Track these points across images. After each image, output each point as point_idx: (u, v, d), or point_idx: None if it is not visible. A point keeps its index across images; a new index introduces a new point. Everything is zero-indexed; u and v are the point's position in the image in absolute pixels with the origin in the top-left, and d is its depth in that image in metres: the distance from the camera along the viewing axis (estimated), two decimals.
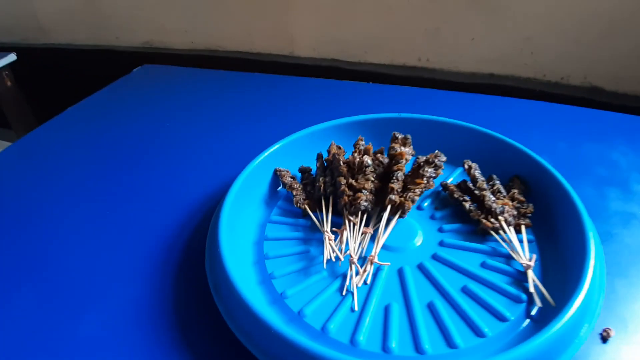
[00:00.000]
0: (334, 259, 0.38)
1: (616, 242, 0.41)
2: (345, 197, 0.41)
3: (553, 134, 0.58)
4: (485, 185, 0.44)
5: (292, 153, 0.50)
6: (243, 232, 0.43)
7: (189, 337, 0.35)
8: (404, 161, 0.43)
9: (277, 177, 0.49)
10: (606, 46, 0.70)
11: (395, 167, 0.42)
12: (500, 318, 0.34)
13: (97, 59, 1.13)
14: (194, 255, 0.42)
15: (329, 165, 0.46)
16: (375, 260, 0.38)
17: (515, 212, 0.42)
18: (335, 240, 0.40)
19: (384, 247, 0.41)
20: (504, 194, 0.44)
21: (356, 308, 0.36)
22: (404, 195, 0.41)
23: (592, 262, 0.34)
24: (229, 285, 0.34)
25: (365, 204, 0.41)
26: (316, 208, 0.44)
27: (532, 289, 0.35)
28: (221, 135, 0.63)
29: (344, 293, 0.37)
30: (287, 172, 0.48)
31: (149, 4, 0.99)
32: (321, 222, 0.42)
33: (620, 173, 0.50)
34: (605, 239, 0.41)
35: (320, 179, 0.44)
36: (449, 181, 0.47)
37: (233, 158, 0.56)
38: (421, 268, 0.39)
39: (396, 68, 0.87)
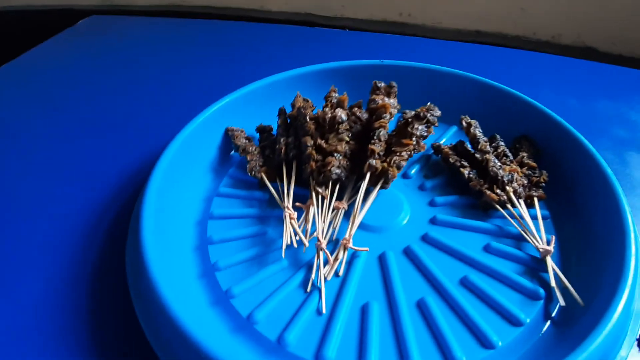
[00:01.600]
0: (295, 244, 0.29)
1: None
2: (313, 163, 0.32)
3: (562, 90, 0.49)
4: (488, 147, 0.35)
5: (248, 109, 0.40)
6: (181, 209, 0.33)
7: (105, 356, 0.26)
8: (387, 116, 0.33)
9: (229, 139, 0.39)
10: (603, 3, 0.64)
11: (376, 124, 0.33)
12: (513, 321, 0.26)
13: (56, 19, 1.02)
14: (117, 245, 0.32)
15: (292, 123, 0.36)
16: (350, 244, 0.29)
17: (525, 181, 0.33)
18: (298, 218, 0.31)
19: (361, 226, 0.32)
20: (511, 158, 0.35)
21: (324, 310, 0.27)
22: (388, 159, 0.32)
23: (633, 249, 0.26)
24: (146, 282, 0.25)
25: (338, 171, 0.31)
26: (276, 177, 0.34)
27: (553, 283, 0.27)
28: (170, 92, 0.52)
29: (308, 289, 0.28)
30: (242, 131, 0.38)
31: None
32: (282, 195, 0.33)
33: None
34: (633, 214, 0.33)
35: (282, 140, 0.35)
36: (441, 142, 0.38)
37: (179, 117, 0.46)
38: (408, 253, 0.30)
39: (375, 23, 0.81)
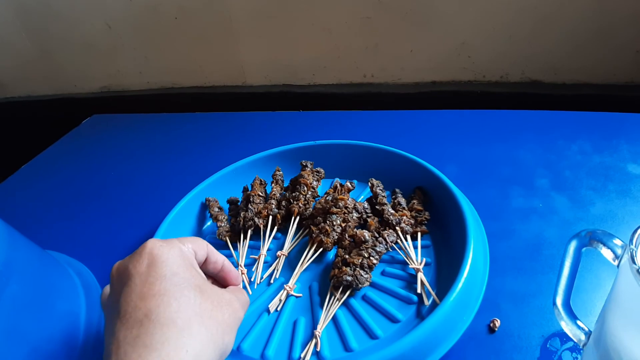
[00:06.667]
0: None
1: (514, 238, 0.46)
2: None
3: (462, 140, 0.63)
4: (385, 200, 0.49)
5: (221, 187, 0.55)
6: None
7: None
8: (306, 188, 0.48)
9: (206, 211, 0.53)
10: (539, 40, 0.73)
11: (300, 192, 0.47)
12: (393, 320, 0.39)
13: (57, 108, 1.14)
14: None
15: (247, 200, 0.51)
16: (291, 292, 0.43)
17: (412, 221, 0.47)
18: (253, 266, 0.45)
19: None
20: (404, 205, 0.49)
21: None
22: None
23: (469, 261, 0.39)
24: None
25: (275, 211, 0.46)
26: (237, 240, 0.48)
27: (419, 290, 0.40)
28: (162, 176, 0.68)
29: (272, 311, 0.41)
30: (216, 201, 0.53)
31: (102, 51, 1.02)
32: (240, 254, 0.47)
33: (526, 170, 0.55)
34: (504, 236, 0.46)
35: (242, 214, 0.49)
36: (360, 199, 0.52)
37: (173, 196, 0.60)
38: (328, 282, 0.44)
39: (344, 87, 0.91)
